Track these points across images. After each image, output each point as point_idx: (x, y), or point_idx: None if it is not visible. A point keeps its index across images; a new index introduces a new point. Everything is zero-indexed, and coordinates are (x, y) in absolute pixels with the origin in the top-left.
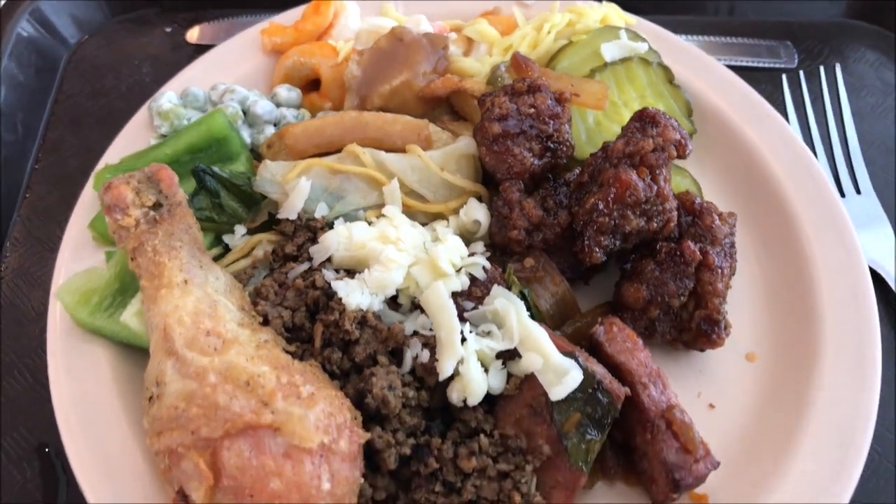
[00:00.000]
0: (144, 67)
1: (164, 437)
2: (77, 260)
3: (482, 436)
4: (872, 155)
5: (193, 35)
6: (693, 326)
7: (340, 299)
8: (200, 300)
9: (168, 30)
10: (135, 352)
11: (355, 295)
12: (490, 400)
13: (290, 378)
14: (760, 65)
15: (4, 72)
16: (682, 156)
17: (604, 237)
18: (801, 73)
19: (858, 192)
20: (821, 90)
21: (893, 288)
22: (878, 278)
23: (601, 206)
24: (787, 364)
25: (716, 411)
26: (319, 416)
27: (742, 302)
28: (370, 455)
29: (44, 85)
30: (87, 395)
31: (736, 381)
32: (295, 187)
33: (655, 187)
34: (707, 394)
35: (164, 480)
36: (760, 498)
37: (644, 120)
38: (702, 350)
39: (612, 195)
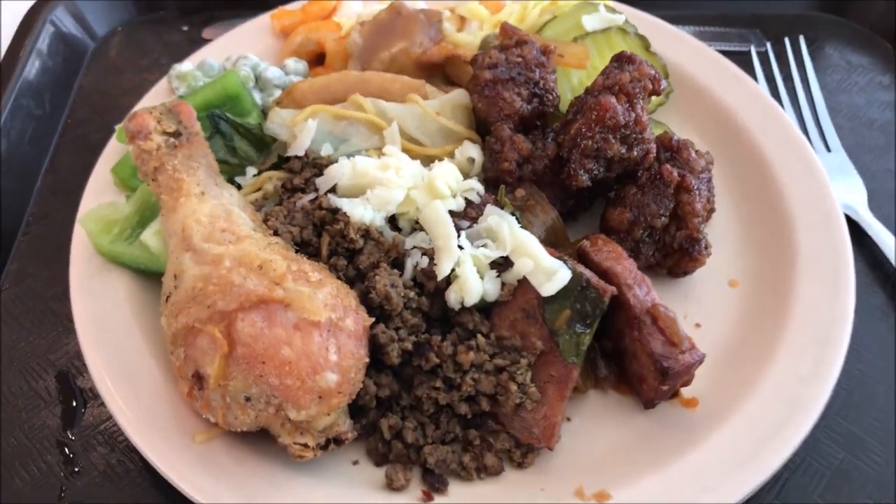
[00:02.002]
0: (163, 58)
1: (181, 317)
2: (99, 201)
3: (479, 335)
4: (840, 121)
5: (208, 33)
6: (675, 247)
7: (345, 213)
8: (216, 207)
9: (185, 28)
10: (147, 280)
11: (359, 210)
12: (486, 310)
13: (299, 266)
14: (732, 49)
15: (36, 53)
16: (656, 90)
17: (588, 160)
18: (770, 49)
19: (829, 150)
20: (789, 67)
21: (866, 230)
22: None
23: (584, 130)
24: (767, 286)
25: (701, 329)
26: (327, 297)
27: (724, 237)
28: (374, 354)
29: (71, 69)
30: (104, 312)
31: (720, 304)
32: (303, 128)
33: (633, 114)
34: (693, 315)
35: (177, 377)
36: (745, 398)
37: (622, 60)
38: (685, 273)
39: (593, 117)
